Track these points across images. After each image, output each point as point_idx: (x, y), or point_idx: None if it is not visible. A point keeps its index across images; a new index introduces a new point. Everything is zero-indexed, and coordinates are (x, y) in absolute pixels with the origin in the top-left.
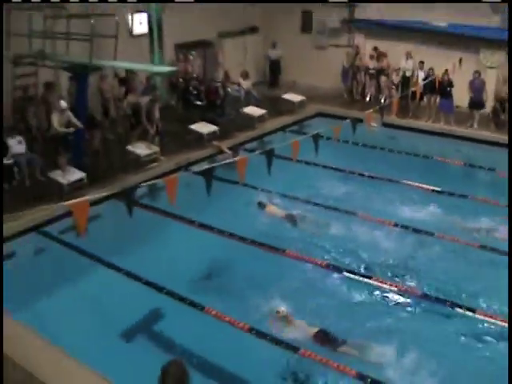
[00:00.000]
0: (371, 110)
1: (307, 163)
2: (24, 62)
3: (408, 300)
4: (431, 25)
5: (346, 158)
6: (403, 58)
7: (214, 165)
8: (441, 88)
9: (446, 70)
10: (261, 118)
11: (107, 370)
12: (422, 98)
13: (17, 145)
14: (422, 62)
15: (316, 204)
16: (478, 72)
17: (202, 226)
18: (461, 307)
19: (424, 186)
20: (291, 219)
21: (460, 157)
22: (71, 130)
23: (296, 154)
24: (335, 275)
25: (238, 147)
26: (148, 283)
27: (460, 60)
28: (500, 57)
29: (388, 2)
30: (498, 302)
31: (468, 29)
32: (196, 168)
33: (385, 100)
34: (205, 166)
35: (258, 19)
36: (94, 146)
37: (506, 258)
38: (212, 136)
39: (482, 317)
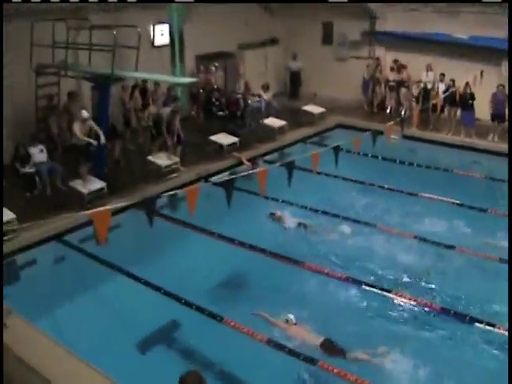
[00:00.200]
0: (391, 123)
1: (327, 175)
2: (47, 71)
3: (427, 314)
4: (452, 37)
5: (366, 170)
6: (424, 70)
7: (234, 176)
8: (462, 100)
9: (467, 83)
10: (281, 130)
11: (125, 378)
12: (442, 111)
13: (38, 153)
14: (442, 75)
15: (335, 216)
16: (502, 85)
17: (221, 237)
18: (481, 322)
19: (444, 198)
20: (303, 228)
21: (480, 170)
22: (95, 142)
23: (316, 166)
24: (354, 288)
25: (256, 159)
26: (167, 293)
27: (481, 72)
28: None
29: (389, 2)
30: None
31: (489, 41)
32: (216, 179)
33: (405, 112)
34: (225, 177)
35: (278, 31)
36: (115, 155)
37: None
38: (232, 147)
39: (502, 331)
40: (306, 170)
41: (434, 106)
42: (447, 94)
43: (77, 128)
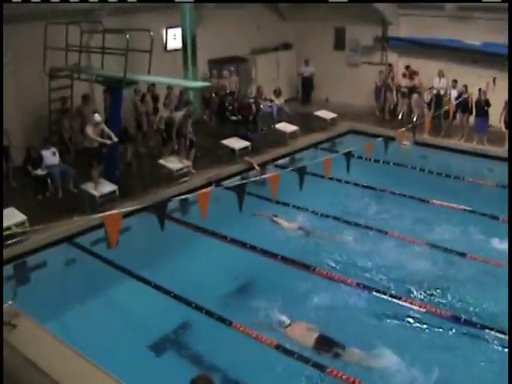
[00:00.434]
0: (403, 129)
1: (338, 180)
2: (60, 75)
3: (437, 321)
4: (465, 43)
5: (378, 176)
6: (436, 76)
7: (246, 181)
8: (477, 107)
9: (481, 89)
10: (293, 135)
11: (134, 381)
12: (454, 117)
13: (51, 156)
14: (455, 81)
15: (346, 222)
16: None
17: (232, 240)
18: (491, 329)
19: (455, 205)
20: (303, 232)
21: (492, 177)
22: (108, 141)
23: (328, 172)
24: (364, 294)
25: (266, 165)
26: (177, 297)
27: (494, 79)
28: None
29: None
30: None
31: (502, 48)
32: (227, 183)
33: (417, 119)
34: (236, 181)
35: (291, 36)
36: (127, 159)
37: None
38: (244, 151)
39: None
40: (317, 176)
41: (446, 112)
42: (459, 100)
43: (89, 131)
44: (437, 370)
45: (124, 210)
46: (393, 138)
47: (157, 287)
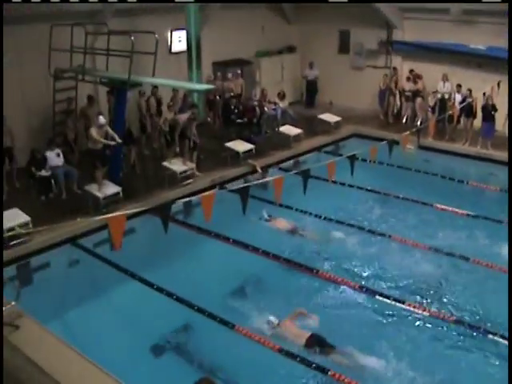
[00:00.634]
0: (408, 132)
1: (342, 184)
2: (65, 76)
3: (440, 325)
4: (469, 47)
5: (381, 179)
6: (440, 80)
7: (250, 183)
8: (484, 112)
9: (485, 94)
10: (297, 138)
11: (136, 383)
12: (458, 121)
13: (55, 157)
14: (459, 85)
15: (350, 225)
16: None
17: (235, 243)
18: (494, 334)
19: (459, 210)
20: (295, 232)
21: (496, 181)
22: (112, 143)
23: (332, 175)
24: (367, 297)
25: (269, 168)
26: (179, 299)
27: (498, 83)
28: None
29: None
30: None
31: (507, 52)
32: (231, 185)
33: (421, 122)
34: (240, 183)
35: (295, 39)
36: (131, 160)
37: None
38: (248, 154)
39: None
40: (320, 179)
41: (451, 116)
42: (464, 104)
43: (94, 133)
44: (439, 374)
45: (128, 211)
46: (397, 142)
47: (159, 289)
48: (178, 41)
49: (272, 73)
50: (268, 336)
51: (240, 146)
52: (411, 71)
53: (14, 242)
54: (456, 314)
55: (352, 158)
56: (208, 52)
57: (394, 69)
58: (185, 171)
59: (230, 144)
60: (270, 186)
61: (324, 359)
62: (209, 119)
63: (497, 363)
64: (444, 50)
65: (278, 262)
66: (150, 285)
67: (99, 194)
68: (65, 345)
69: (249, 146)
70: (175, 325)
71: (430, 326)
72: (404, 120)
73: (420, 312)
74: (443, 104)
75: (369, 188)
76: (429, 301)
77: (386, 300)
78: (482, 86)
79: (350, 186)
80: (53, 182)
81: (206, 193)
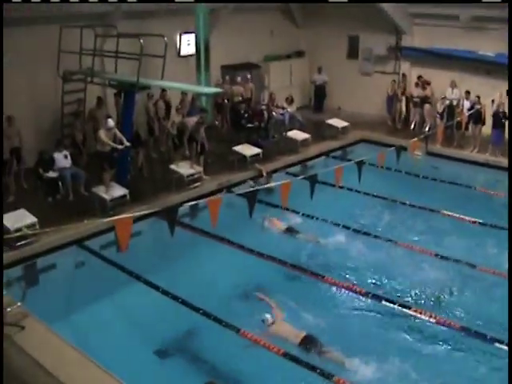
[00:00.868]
0: (416, 139)
1: (349, 189)
2: (73, 78)
3: (447, 332)
4: (478, 54)
5: (389, 185)
6: (448, 87)
7: (257, 188)
8: (495, 119)
9: (493, 101)
10: (304, 143)
11: None
12: (466, 128)
13: (63, 159)
14: (467, 92)
15: (356, 231)
16: None
17: (241, 247)
18: (501, 342)
19: (466, 217)
20: (291, 232)
21: (504, 189)
22: (120, 146)
23: (339, 180)
24: (373, 303)
25: (274, 172)
26: (185, 302)
27: (507, 90)
28: None
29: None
30: None
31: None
32: (237, 189)
33: (429, 129)
34: (246, 188)
35: (304, 43)
36: (138, 163)
37: None
38: (255, 158)
39: None
40: (327, 184)
41: (459, 123)
42: (472, 111)
43: (102, 135)
44: (443, 381)
45: (135, 214)
46: (405, 148)
47: (165, 292)
48: (187, 44)
49: (280, 77)
50: (264, 334)
51: (247, 150)
52: (419, 77)
53: (21, 242)
54: (462, 321)
55: (360, 164)
56: (217, 55)
57: (403, 75)
58: (192, 174)
59: (237, 148)
60: (276, 190)
61: (320, 360)
62: (216, 122)
63: (502, 371)
64: (453, 56)
65: (283, 267)
66: (156, 287)
67: (106, 196)
68: (69, 346)
69: (256, 150)
70: (180, 328)
71: (435, 332)
72: (412, 126)
73: (426, 318)
74: (451, 110)
75: (376, 194)
76: (435, 307)
77: (391, 305)
78: (491, 92)
79: (357, 191)
80: (60, 183)
81: (213, 197)
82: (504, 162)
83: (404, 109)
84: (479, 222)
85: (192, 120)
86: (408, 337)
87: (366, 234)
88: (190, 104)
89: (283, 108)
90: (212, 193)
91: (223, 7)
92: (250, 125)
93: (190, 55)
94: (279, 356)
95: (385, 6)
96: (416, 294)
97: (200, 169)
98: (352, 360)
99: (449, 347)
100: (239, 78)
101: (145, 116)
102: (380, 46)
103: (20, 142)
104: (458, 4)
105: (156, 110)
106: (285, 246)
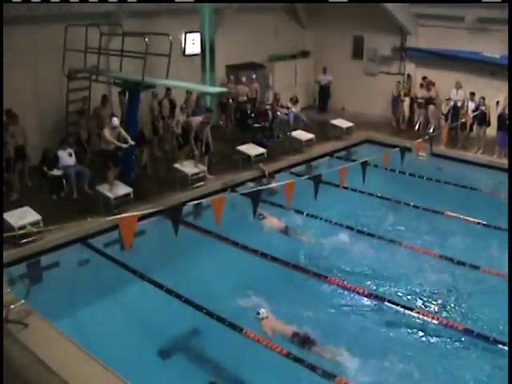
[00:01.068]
0: (420, 140)
1: (353, 190)
2: (78, 76)
3: (449, 334)
4: (483, 55)
5: (393, 186)
6: (453, 88)
7: (260, 188)
8: (500, 121)
9: (498, 102)
10: (309, 143)
11: None
12: (471, 129)
13: (67, 157)
14: (472, 94)
15: (360, 231)
16: None
17: (244, 247)
18: (503, 344)
19: (470, 218)
20: (285, 231)
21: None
22: (124, 145)
23: (343, 181)
24: (375, 304)
25: (276, 173)
26: (188, 301)
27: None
28: None
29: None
30: None
31: None
32: (241, 189)
33: (434, 130)
34: (250, 187)
35: (309, 43)
36: (142, 162)
37: None
38: (259, 158)
39: None
40: (331, 184)
41: (463, 124)
42: (477, 113)
43: (107, 134)
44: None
45: (139, 213)
46: (409, 149)
47: (168, 291)
48: (192, 43)
49: (285, 77)
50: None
51: (252, 149)
52: (424, 78)
53: (25, 240)
54: (465, 323)
55: (364, 165)
56: (222, 55)
57: (408, 76)
58: (196, 174)
59: (241, 147)
60: (279, 191)
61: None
62: (221, 122)
63: (505, 373)
64: (458, 57)
65: (287, 267)
66: (159, 286)
67: (110, 195)
68: (73, 344)
69: (260, 150)
70: (183, 327)
71: (438, 333)
72: (416, 127)
73: (429, 320)
74: (456, 112)
75: (380, 195)
76: (438, 309)
77: (394, 307)
78: (496, 94)
79: (361, 192)
80: (64, 181)
81: (217, 196)
82: (507, 163)
83: (408, 110)
84: (483, 224)
85: (197, 119)
86: (410, 338)
87: (369, 234)
88: (194, 103)
89: (288, 108)
90: (216, 192)
91: (228, 7)
92: (256, 125)
93: (195, 54)
94: (282, 356)
95: (390, 6)
96: (419, 294)
97: (204, 168)
98: (353, 361)
99: (452, 349)
100: (244, 78)
101: (149, 115)
102: (385, 47)
103: (25, 140)
104: (463, 5)
105: (160, 108)
106: (287, 247)
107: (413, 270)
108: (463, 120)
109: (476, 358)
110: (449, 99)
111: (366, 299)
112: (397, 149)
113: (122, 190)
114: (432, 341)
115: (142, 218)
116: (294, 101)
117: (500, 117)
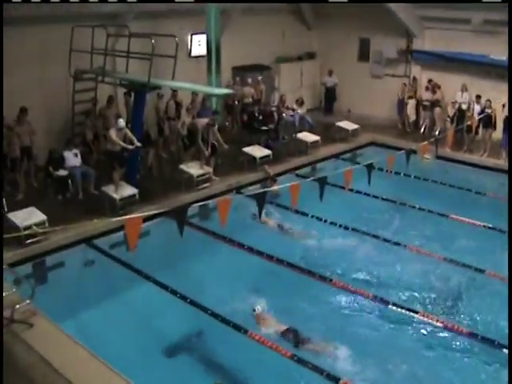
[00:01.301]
0: (426, 142)
1: (358, 192)
2: (84, 77)
3: (454, 337)
4: (489, 58)
5: (398, 189)
6: (459, 90)
7: (266, 189)
8: (506, 124)
9: (504, 105)
10: (314, 145)
11: None
12: (477, 132)
13: (73, 157)
14: (478, 96)
15: (365, 233)
16: None
17: (249, 248)
18: (508, 348)
19: (475, 221)
20: (282, 230)
21: None
22: (130, 147)
23: (348, 183)
24: (380, 307)
25: (276, 177)
26: (193, 303)
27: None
28: None
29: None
30: None
31: None
32: (246, 191)
33: (439, 132)
34: (256, 189)
35: (315, 45)
36: (148, 163)
37: None
38: (265, 160)
39: None
40: (336, 186)
41: (469, 127)
42: (482, 115)
43: (113, 135)
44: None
45: (145, 214)
46: (414, 151)
47: (173, 292)
48: (198, 45)
49: (291, 79)
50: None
51: (257, 151)
52: (430, 81)
53: (30, 240)
54: (469, 327)
55: (369, 167)
56: (228, 56)
57: (414, 78)
58: (202, 175)
59: (247, 149)
60: (283, 193)
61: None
62: (227, 124)
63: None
64: (464, 60)
65: (291, 269)
66: (164, 287)
67: (116, 196)
68: (78, 344)
69: (266, 152)
70: (188, 328)
71: (442, 337)
72: (422, 130)
73: (433, 323)
74: (462, 114)
75: (385, 197)
76: (442, 312)
77: (399, 310)
78: (502, 97)
79: (367, 194)
80: (70, 181)
81: (222, 197)
82: None
83: (409, 112)
84: (488, 227)
85: (202, 121)
86: (415, 341)
87: (374, 236)
88: (200, 105)
89: (293, 110)
90: (221, 193)
91: (234, 8)
92: (264, 127)
93: (201, 56)
94: (287, 358)
95: (395, 8)
96: (424, 297)
97: (210, 169)
98: (356, 363)
99: (456, 352)
100: (250, 80)
101: (155, 116)
102: (391, 49)
103: (31, 141)
104: (469, 7)
105: (166, 110)
106: (293, 249)
107: (418, 273)
108: (469, 123)
109: (480, 362)
110: (455, 102)
111: (370, 302)
112: (402, 151)
113: (128, 190)
114: (436, 343)
115: (147, 218)
116: (300, 103)
117: (508, 119)
